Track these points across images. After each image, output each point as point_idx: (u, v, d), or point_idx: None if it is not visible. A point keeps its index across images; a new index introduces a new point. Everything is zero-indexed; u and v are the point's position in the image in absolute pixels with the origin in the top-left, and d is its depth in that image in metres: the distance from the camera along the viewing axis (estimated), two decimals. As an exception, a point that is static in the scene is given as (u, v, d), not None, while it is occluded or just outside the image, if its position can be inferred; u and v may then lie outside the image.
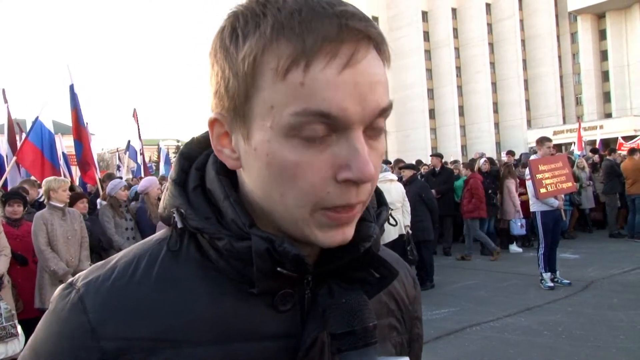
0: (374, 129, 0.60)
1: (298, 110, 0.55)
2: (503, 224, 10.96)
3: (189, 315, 0.63)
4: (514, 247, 10.76)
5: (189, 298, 0.64)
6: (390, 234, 7.20)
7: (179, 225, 0.65)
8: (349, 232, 0.62)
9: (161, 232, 0.72)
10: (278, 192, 0.60)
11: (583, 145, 17.86)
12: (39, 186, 7.31)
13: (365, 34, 0.57)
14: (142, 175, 12.72)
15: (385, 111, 0.60)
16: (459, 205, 11.09)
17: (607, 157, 12.75)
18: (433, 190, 10.18)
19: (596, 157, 13.80)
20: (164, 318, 0.63)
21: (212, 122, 0.64)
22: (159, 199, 6.57)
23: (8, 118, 9.32)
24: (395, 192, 7.28)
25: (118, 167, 14.24)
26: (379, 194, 0.78)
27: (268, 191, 0.61)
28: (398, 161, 9.64)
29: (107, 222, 6.22)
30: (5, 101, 9.58)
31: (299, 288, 0.67)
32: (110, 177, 8.76)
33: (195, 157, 0.73)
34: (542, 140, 7.73)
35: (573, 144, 20.74)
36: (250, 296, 0.65)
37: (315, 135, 0.57)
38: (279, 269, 0.62)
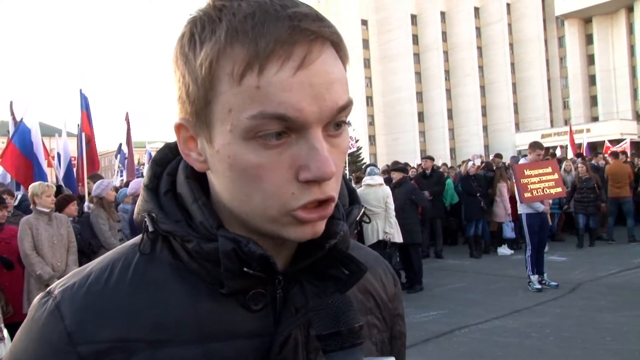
0: (335, 126, 0.61)
1: (255, 113, 0.57)
2: (493, 227, 11.02)
3: (164, 316, 0.64)
4: (503, 250, 10.81)
5: (164, 299, 0.65)
6: (369, 238, 7.21)
7: (150, 229, 0.67)
8: (319, 227, 0.63)
9: (137, 237, 0.73)
10: (244, 193, 0.61)
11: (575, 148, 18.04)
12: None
13: (318, 34, 0.58)
14: (125, 177, 12.61)
15: (344, 109, 0.61)
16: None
17: (591, 161, 12.88)
18: (426, 192, 10.24)
19: (579, 161, 13.93)
20: (140, 320, 0.64)
21: (178, 127, 0.65)
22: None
23: (14, 123, 9.28)
24: (373, 197, 7.24)
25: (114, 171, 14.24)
26: (352, 192, 0.79)
27: (234, 192, 0.62)
28: (396, 162, 9.73)
29: (103, 225, 6.07)
30: (12, 113, 9.53)
31: (271, 287, 0.68)
32: (94, 177, 8.69)
33: (167, 163, 0.74)
34: (533, 146, 7.78)
35: (559, 147, 20.94)
36: (223, 296, 0.66)
37: (274, 138, 0.58)
38: (245, 269, 0.63)
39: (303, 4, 0.60)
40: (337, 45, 0.61)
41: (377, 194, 7.34)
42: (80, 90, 8.89)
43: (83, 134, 8.84)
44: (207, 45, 0.58)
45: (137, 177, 12.56)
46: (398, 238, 7.47)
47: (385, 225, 7.32)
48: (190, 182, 0.69)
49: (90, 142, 8.99)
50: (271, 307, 0.68)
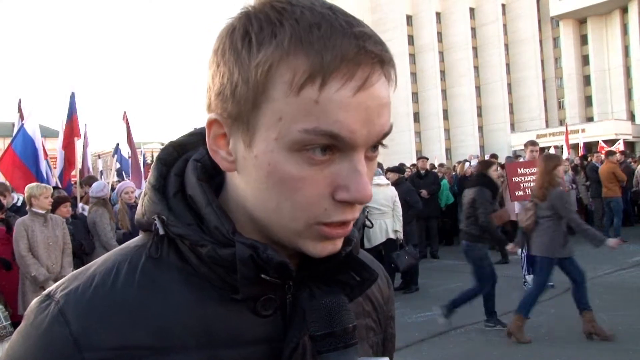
0: (373, 148, 0.62)
1: (308, 127, 0.56)
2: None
3: (172, 321, 0.63)
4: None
5: (172, 304, 0.64)
6: (377, 237, 7.23)
7: (161, 232, 0.65)
8: (339, 243, 0.64)
9: (138, 238, 0.71)
10: (274, 203, 0.60)
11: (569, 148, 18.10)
12: (12, 190, 7.31)
13: (380, 58, 0.58)
14: (131, 178, 12.60)
15: (386, 135, 0.61)
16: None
17: (593, 160, 12.92)
18: (424, 191, 10.26)
19: (576, 160, 14.00)
20: (147, 325, 0.62)
21: (211, 122, 0.63)
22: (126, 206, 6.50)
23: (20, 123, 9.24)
24: (382, 196, 7.30)
25: (101, 172, 14.19)
26: None
27: (263, 200, 0.61)
28: (402, 164, 9.79)
29: (106, 225, 6.08)
30: (19, 110, 9.47)
31: (281, 293, 0.67)
32: (91, 179, 8.70)
33: (173, 162, 0.72)
34: (527, 144, 7.83)
35: (554, 148, 21.00)
36: (232, 302, 0.65)
37: (320, 153, 0.57)
38: (262, 275, 0.62)
39: (366, 25, 0.59)
40: (390, 70, 0.61)
41: (386, 193, 7.42)
42: (73, 94, 8.79)
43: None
44: (267, 49, 0.57)
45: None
46: (402, 236, 7.52)
47: (395, 224, 7.36)
48: (203, 184, 0.67)
49: (70, 145, 8.97)
50: (280, 313, 0.68)
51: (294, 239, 0.62)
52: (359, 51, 0.56)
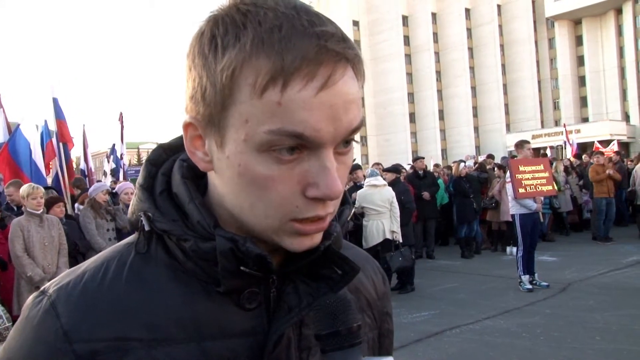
0: (344, 143, 0.63)
1: (273, 129, 0.57)
2: (494, 226, 11.01)
3: (160, 315, 0.65)
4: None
5: (159, 298, 0.66)
6: (374, 238, 7.23)
7: (146, 228, 0.68)
8: (317, 238, 0.65)
9: (131, 236, 0.73)
10: (248, 202, 0.62)
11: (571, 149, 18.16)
12: None
13: (343, 56, 0.58)
14: (121, 179, 12.61)
15: (356, 130, 0.62)
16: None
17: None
18: (426, 193, 10.27)
19: (566, 161, 14.08)
20: (135, 318, 0.64)
21: (187, 125, 0.65)
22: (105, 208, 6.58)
23: (6, 122, 9.18)
24: (379, 197, 7.31)
25: (105, 173, 14.26)
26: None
27: (238, 199, 0.63)
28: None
29: (89, 224, 6.27)
30: (0, 105, 9.42)
31: (265, 286, 0.69)
32: (79, 181, 8.74)
33: (161, 163, 0.75)
34: (521, 144, 7.87)
35: (549, 148, 21.07)
36: (218, 295, 0.67)
37: (287, 152, 0.59)
38: (242, 267, 0.64)
39: (329, 22, 0.60)
40: (357, 66, 0.61)
41: (382, 194, 7.42)
42: (55, 98, 8.71)
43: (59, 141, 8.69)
44: (231, 52, 0.58)
45: (129, 180, 12.54)
46: (400, 238, 7.51)
47: (392, 225, 7.37)
48: (186, 182, 0.69)
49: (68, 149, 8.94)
50: (265, 306, 0.69)
51: (270, 235, 0.64)
52: (319, 50, 0.56)
